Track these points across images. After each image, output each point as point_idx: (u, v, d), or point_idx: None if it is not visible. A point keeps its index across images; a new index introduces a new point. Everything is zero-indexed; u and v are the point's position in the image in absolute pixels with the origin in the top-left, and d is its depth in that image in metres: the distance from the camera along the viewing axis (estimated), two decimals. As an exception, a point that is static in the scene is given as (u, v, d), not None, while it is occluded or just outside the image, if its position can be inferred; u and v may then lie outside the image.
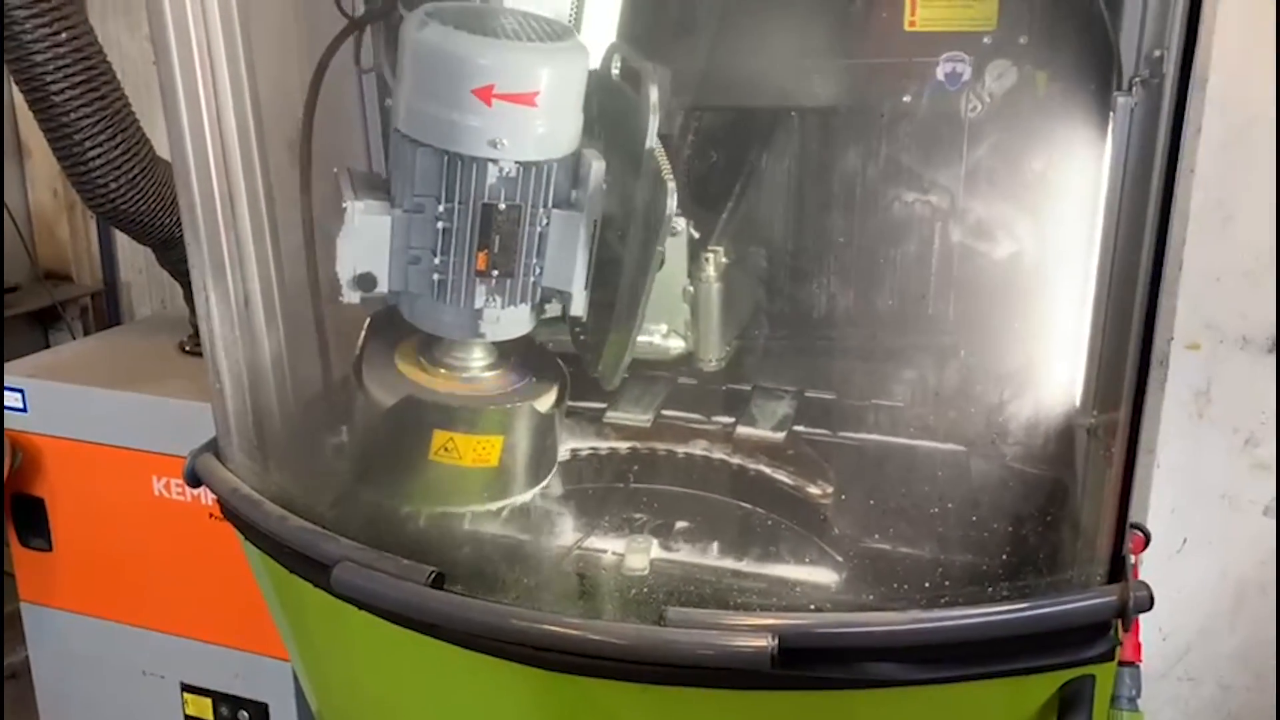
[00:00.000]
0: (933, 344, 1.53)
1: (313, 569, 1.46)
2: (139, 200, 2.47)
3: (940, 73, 1.59)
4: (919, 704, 1.30)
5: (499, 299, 1.50)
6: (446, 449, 1.54)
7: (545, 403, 1.60)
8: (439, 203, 1.45)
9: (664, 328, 1.64)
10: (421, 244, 1.48)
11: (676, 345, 1.65)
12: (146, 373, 2.64)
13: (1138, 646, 1.62)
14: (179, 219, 2.53)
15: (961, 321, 1.52)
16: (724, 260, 1.66)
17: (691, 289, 1.63)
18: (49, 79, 2.24)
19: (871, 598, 1.40)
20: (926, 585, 1.35)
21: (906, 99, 1.59)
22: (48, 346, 3.60)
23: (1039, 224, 1.40)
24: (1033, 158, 1.38)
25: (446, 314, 1.52)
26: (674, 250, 1.58)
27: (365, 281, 1.48)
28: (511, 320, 1.53)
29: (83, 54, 2.23)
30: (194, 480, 1.69)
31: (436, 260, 1.48)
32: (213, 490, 1.65)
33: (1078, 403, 1.37)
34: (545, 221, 1.47)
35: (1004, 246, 1.42)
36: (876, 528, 1.53)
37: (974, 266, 1.46)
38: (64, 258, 3.70)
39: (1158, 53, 1.13)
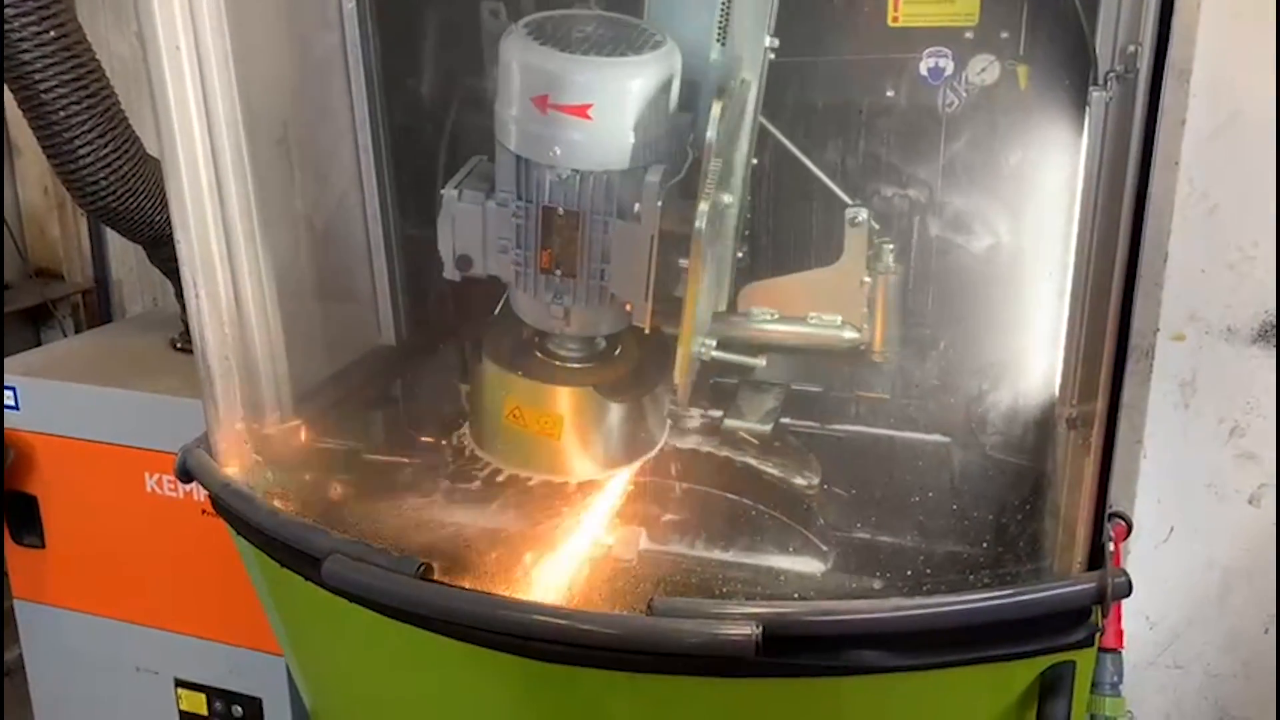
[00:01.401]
0: (913, 336, 1.55)
1: (303, 562, 1.47)
2: (129, 198, 2.47)
3: (923, 68, 1.60)
4: (903, 690, 1.32)
5: (565, 297, 1.57)
6: (515, 415, 1.65)
7: (618, 394, 1.65)
8: (514, 199, 1.54)
9: (839, 319, 1.64)
10: (506, 235, 1.57)
11: (850, 335, 1.64)
12: (138, 370, 2.64)
13: (1120, 633, 1.63)
14: (169, 216, 2.55)
15: (940, 314, 1.53)
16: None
17: (869, 279, 1.62)
18: (37, 77, 2.24)
19: (855, 586, 1.42)
20: (909, 574, 1.37)
21: (890, 94, 1.61)
22: (39, 344, 3.60)
23: (1016, 217, 1.42)
24: (1010, 152, 1.39)
25: (527, 303, 1.63)
26: (854, 241, 1.60)
27: (463, 262, 1.61)
28: (582, 319, 1.61)
29: (71, 52, 2.23)
30: (185, 475, 1.70)
31: (514, 252, 1.57)
32: (204, 485, 1.67)
33: (1057, 393, 1.39)
34: (610, 230, 1.52)
35: (982, 239, 1.43)
36: (860, 518, 1.55)
37: (953, 259, 1.48)
38: (55, 255, 3.70)
39: (1132, 48, 1.14)
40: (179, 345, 2.79)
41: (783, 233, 1.73)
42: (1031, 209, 1.41)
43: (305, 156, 1.81)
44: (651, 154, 1.50)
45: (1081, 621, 1.28)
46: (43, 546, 2.71)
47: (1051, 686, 1.29)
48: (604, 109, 1.45)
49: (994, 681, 1.33)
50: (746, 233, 1.69)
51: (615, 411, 1.66)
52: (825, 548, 1.55)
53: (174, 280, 2.81)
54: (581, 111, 1.44)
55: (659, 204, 1.47)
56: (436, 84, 1.89)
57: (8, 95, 2.29)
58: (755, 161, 1.61)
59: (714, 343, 1.58)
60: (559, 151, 1.48)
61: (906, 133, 1.57)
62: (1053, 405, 1.42)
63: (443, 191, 1.58)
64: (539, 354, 1.70)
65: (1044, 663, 1.31)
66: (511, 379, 1.67)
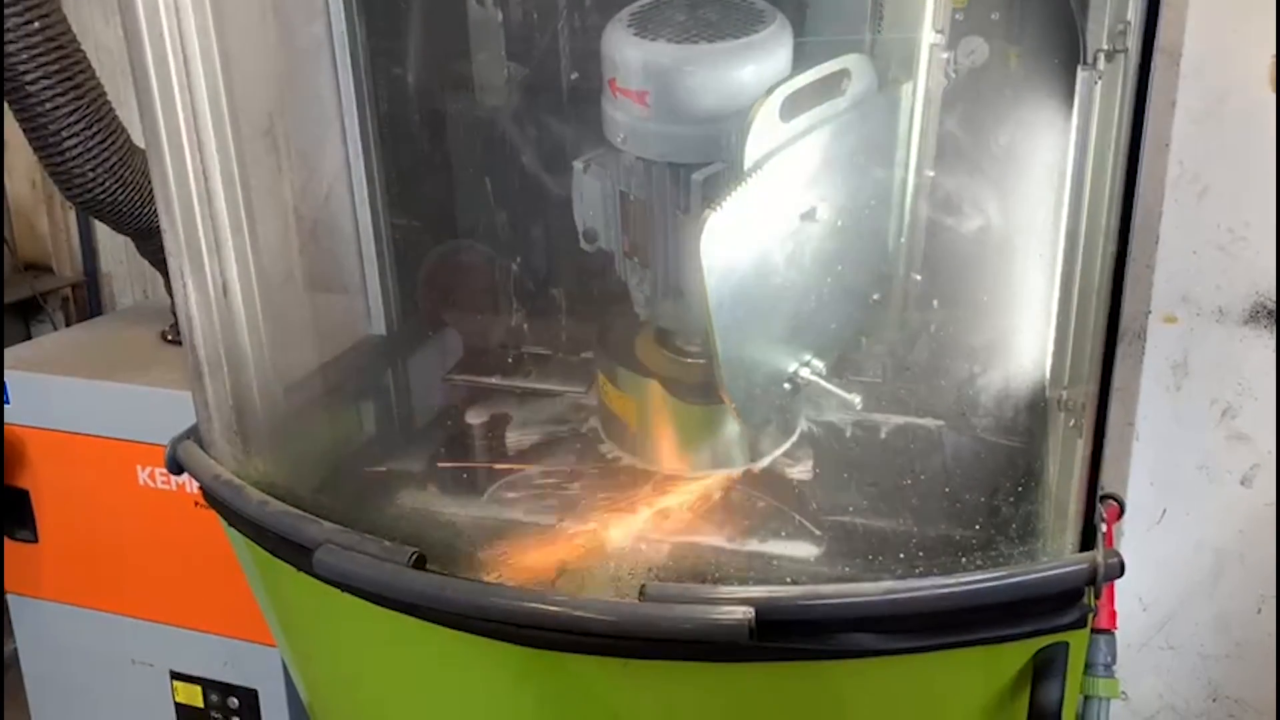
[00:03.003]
0: (905, 319, 1.54)
1: (295, 552, 1.47)
2: (117, 189, 2.45)
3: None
4: (896, 673, 1.32)
5: (645, 286, 1.53)
6: (605, 391, 1.65)
7: (688, 395, 1.59)
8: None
9: None
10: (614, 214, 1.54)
11: None
12: (129, 362, 2.63)
13: (1113, 614, 1.63)
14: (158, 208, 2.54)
15: (932, 296, 1.52)
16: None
17: None
18: (22, 68, 2.23)
19: (848, 570, 1.42)
20: (901, 556, 1.36)
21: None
22: (29, 338, 3.59)
23: (1006, 198, 1.41)
24: (999, 132, 1.38)
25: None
26: None
27: (590, 234, 1.57)
28: (666, 310, 1.55)
29: (56, 42, 2.22)
30: (175, 467, 1.69)
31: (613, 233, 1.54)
32: (195, 476, 1.66)
33: (1048, 375, 1.39)
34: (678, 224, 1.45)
35: (972, 220, 1.42)
36: (852, 501, 1.54)
37: (943, 240, 1.47)
38: (44, 249, 3.69)
39: (1120, 26, 1.13)
40: (170, 337, 2.78)
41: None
42: (1022, 190, 1.40)
43: (292, 147, 1.80)
44: (716, 150, 1.38)
45: (1074, 602, 1.28)
46: (35, 541, 2.70)
47: (1045, 668, 1.29)
48: (659, 97, 1.37)
49: (987, 663, 1.33)
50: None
51: (680, 411, 1.60)
52: (818, 532, 1.54)
53: (163, 272, 2.79)
54: (640, 98, 1.37)
55: (703, 204, 1.35)
56: (424, 73, 1.88)
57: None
58: (931, 174, 1.49)
59: (822, 365, 1.48)
60: (624, 137, 1.43)
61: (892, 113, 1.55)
62: (1044, 387, 1.42)
63: (573, 163, 1.54)
64: (655, 339, 1.65)
65: (1037, 644, 1.31)
66: (602, 355, 1.66)
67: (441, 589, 1.35)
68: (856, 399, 1.46)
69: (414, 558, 1.37)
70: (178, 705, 2.69)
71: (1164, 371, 2.70)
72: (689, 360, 1.61)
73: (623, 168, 1.47)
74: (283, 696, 2.57)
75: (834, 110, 1.37)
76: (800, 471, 1.62)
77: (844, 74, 1.38)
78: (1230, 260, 2.57)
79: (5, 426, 2.62)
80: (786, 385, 1.48)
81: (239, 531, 1.61)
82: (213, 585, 2.54)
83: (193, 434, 1.71)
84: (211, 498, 1.64)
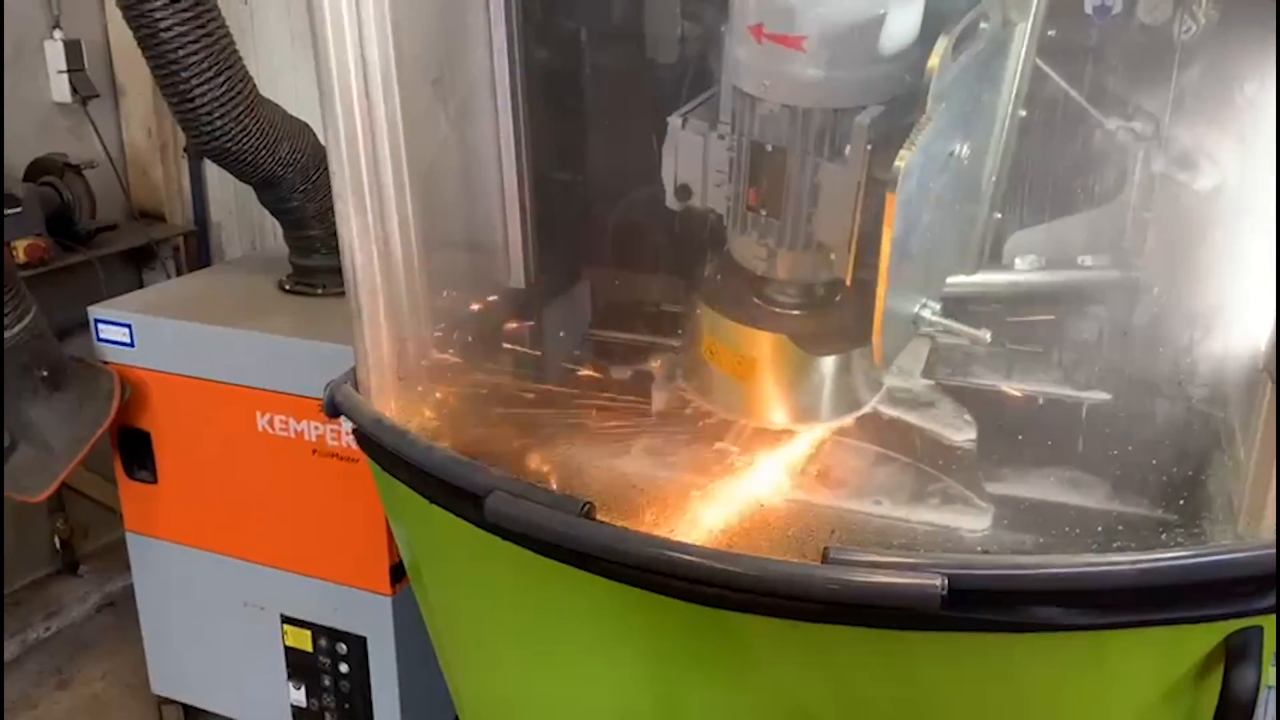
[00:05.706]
0: (1125, 281, 1.49)
1: (460, 500, 1.46)
2: (243, 138, 2.48)
3: (1088, 5, 1.53)
4: (1078, 648, 1.28)
5: (770, 238, 1.51)
6: (711, 351, 1.63)
7: (816, 345, 1.58)
8: (730, 132, 1.49)
9: (1106, 259, 1.59)
10: (724, 169, 1.53)
11: (1124, 274, 1.58)
12: (249, 310, 2.67)
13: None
14: (281, 158, 2.56)
15: (1157, 257, 1.47)
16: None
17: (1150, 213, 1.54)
18: (158, 15, 2.25)
19: (1031, 542, 1.38)
20: (1099, 530, 1.32)
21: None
22: (141, 285, 3.66)
23: (1247, 154, 1.34)
24: (1245, 82, 1.31)
25: (738, 241, 1.58)
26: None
27: (683, 192, 1.56)
28: (786, 262, 1.54)
29: (190, -12, 2.23)
30: (333, 410, 1.70)
31: (728, 187, 1.53)
32: (353, 420, 1.66)
33: (1263, 347, 1.33)
34: (819, 172, 1.44)
35: (1207, 178, 1.36)
36: (1022, 474, 1.51)
37: (1174, 198, 1.41)
38: (157, 198, 3.74)
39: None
40: (288, 287, 2.81)
41: (1042, 179, 1.63)
42: (1262, 146, 1.32)
43: (450, 94, 1.79)
44: (872, 93, 1.38)
45: (1273, 586, 1.23)
46: (155, 481, 2.76)
47: (1239, 653, 1.25)
48: (821, 43, 1.35)
49: (1173, 645, 1.29)
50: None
51: (806, 362, 1.59)
52: (985, 504, 1.51)
53: (285, 222, 2.82)
54: (795, 43, 1.35)
55: (868, 148, 1.37)
56: (584, 26, 1.85)
57: (114, 34, 2.27)
58: (1024, 113, 1.51)
59: (938, 306, 1.47)
60: (769, 84, 1.40)
61: (1133, 61, 1.49)
62: (1258, 359, 1.36)
63: (668, 119, 1.54)
64: (752, 293, 1.63)
65: (1228, 628, 1.26)
66: (709, 312, 1.64)
67: (613, 540, 1.33)
68: (986, 334, 1.45)
69: (585, 508, 1.36)
70: (287, 649, 2.74)
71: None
72: (795, 313, 1.61)
73: (758, 117, 1.44)
74: (391, 645, 2.60)
75: (975, 49, 1.37)
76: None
77: (984, 15, 1.40)
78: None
79: (130, 369, 2.67)
80: (912, 325, 1.48)
81: (394, 476, 1.61)
82: (327, 532, 2.57)
83: (349, 379, 1.72)
84: (368, 442, 1.65)
